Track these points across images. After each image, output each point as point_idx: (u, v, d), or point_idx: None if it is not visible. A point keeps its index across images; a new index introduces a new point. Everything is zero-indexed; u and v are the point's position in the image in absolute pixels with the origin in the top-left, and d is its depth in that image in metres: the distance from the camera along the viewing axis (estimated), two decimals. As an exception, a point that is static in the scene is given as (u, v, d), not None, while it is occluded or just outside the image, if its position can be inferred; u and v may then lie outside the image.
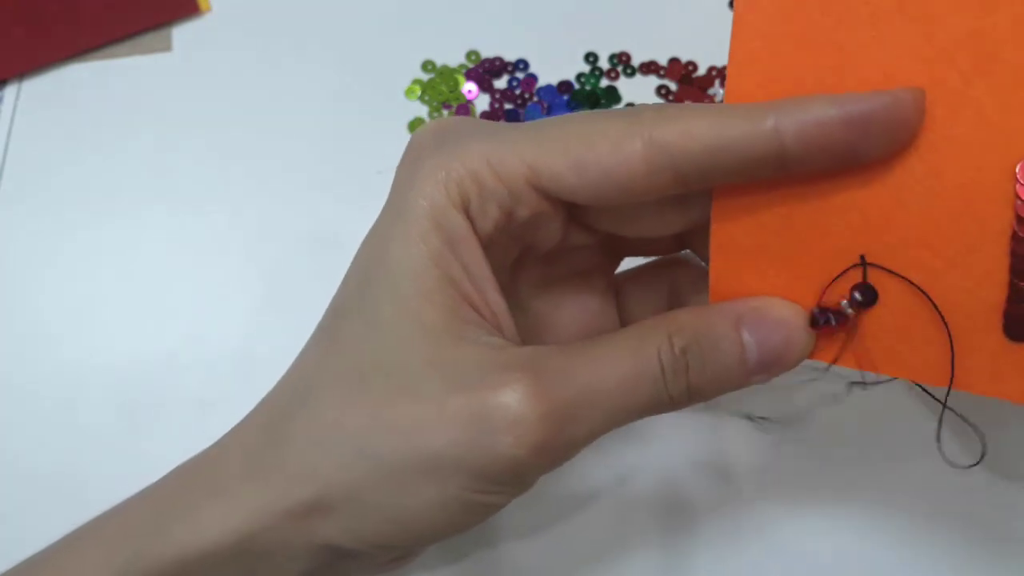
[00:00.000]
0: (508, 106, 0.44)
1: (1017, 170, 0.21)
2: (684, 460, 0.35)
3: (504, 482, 0.23)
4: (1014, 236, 0.21)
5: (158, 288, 0.40)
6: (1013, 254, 0.21)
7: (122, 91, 0.44)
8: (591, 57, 0.45)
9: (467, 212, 0.24)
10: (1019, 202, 0.21)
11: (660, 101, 0.43)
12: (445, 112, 0.43)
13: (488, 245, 0.24)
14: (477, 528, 0.33)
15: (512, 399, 0.22)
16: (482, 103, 0.44)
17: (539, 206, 0.24)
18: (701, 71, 0.44)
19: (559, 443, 0.22)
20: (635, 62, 0.45)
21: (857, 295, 0.23)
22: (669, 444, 0.35)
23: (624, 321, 0.30)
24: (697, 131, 0.21)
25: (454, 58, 0.45)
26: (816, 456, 0.34)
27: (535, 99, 0.44)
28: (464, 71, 0.45)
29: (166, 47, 0.46)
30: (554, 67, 0.45)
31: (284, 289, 0.39)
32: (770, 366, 0.23)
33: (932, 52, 0.21)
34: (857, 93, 0.21)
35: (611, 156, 0.22)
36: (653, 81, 0.44)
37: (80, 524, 0.26)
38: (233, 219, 0.41)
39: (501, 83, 0.44)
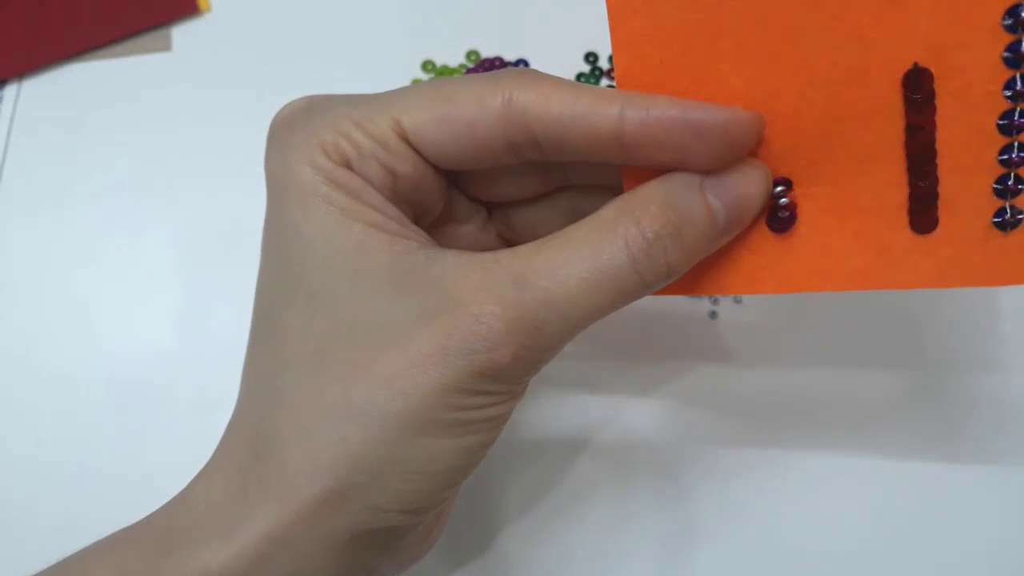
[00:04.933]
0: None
1: (901, 81, 0.23)
2: (686, 456, 0.35)
3: (497, 391, 0.23)
4: (907, 142, 0.23)
5: (158, 288, 0.40)
6: (909, 157, 0.23)
7: (122, 91, 0.44)
8: (591, 57, 0.45)
9: (352, 170, 0.24)
10: (908, 109, 0.23)
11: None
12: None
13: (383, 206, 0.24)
14: (478, 528, 0.34)
15: (474, 320, 0.22)
16: (482, 103, 0.44)
17: (416, 164, 0.24)
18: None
19: (533, 349, 0.23)
20: (635, 62, 0.45)
21: (781, 209, 0.24)
22: (671, 439, 0.35)
23: None
24: (553, 99, 0.23)
25: (454, 58, 0.45)
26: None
27: (535, 99, 0.44)
28: (464, 71, 0.45)
29: (166, 47, 0.46)
30: (554, 67, 0.44)
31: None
32: (736, 223, 0.24)
33: None
34: (702, 102, 0.23)
35: (472, 111, 0.23)
36: (653, 81, 0.44)
37: (77, 525, 0.25)
38: (233, 219, 0.41)
39: (501, 83, 0.44)
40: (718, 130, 0.23)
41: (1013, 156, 0.22)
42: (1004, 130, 0.22)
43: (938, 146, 0.23)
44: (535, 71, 0.24)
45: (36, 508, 0.35)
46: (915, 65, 0.22)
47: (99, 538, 0.25)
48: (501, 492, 0.35)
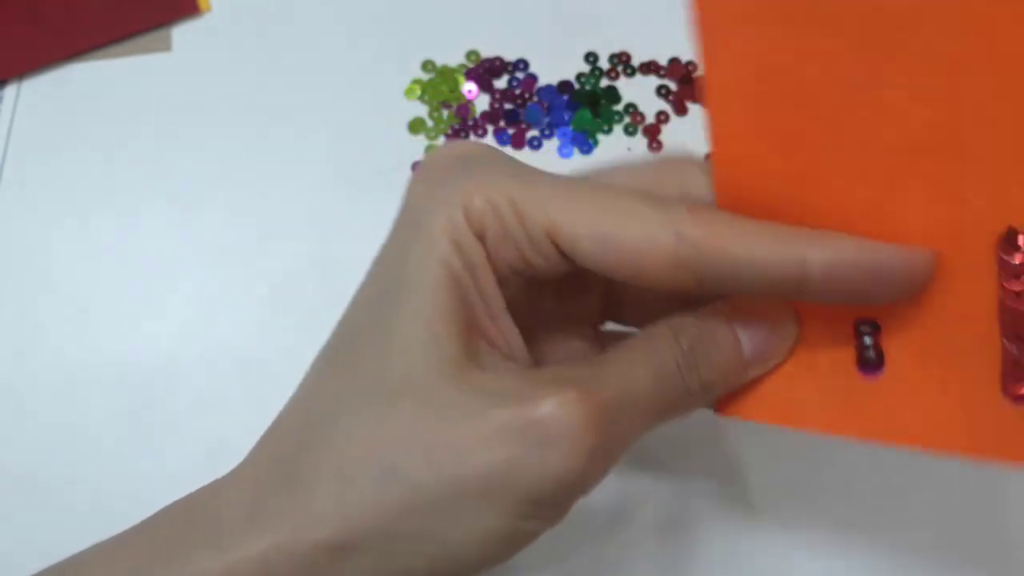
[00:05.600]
0: (508, 106, 0.44)
1: (997, 244, 0.22)
2: (685, 474, 0.35)
3: (550, 503, 0.22)
4: (1000, 305, 0.22)
5: (158, 288, 0.40)
6: (1001, 321, 0.22)
7: (122, 91, 0.44)
8: (591, 57, 0.45)
9: (484, 243, 0.23)
10: (1001, 271, 0.22)
11: (660, 101, 0.43)
12: (444, 112, 0.43)
13: (500, 284, 0.24)
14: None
15: (557, 409, 0.21)
16: (482, 103, 0.44)
17: (554, 261, 0.23)
18: (701, 71, 0.44)
19: (607, 449, 0.22)
20: (635, 62, 0.45)
21: (868, 349, 0.24)
22: (668, 459, 0.35)
23: None
24: (729, 242, 0.22)
25: (454, 58, 0.45)
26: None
27: (535, 99, 0.44)
28: (464, 71, 0.45)
29: (166, 47, 0.46)
30: (554, 67, 0.45)
31: (284, 288, 0.39)
32: (762, 357, 0.25)
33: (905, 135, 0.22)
34: (883, 244, 0.22)
35: (640, 242, 0.22)
36: (653, 81, 0.44)
37: (76, 525, 0.25)
38: (233, 219, 0.41)
39: (501, 83, 0.44)
40: (903, 275, 0.22)
41: None
42: None
43: None
44: (708, 207, 0.23)
45: (35, 509, 0.35)
46: (1009, 228, 0.21)
47: (98, 541, 0.24)
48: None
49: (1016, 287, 0.22)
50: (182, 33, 0.46)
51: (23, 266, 0.40)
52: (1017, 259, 0.21)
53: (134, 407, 0.37)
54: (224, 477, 0.24)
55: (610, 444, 0.22)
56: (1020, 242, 0.21)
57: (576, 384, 0.22)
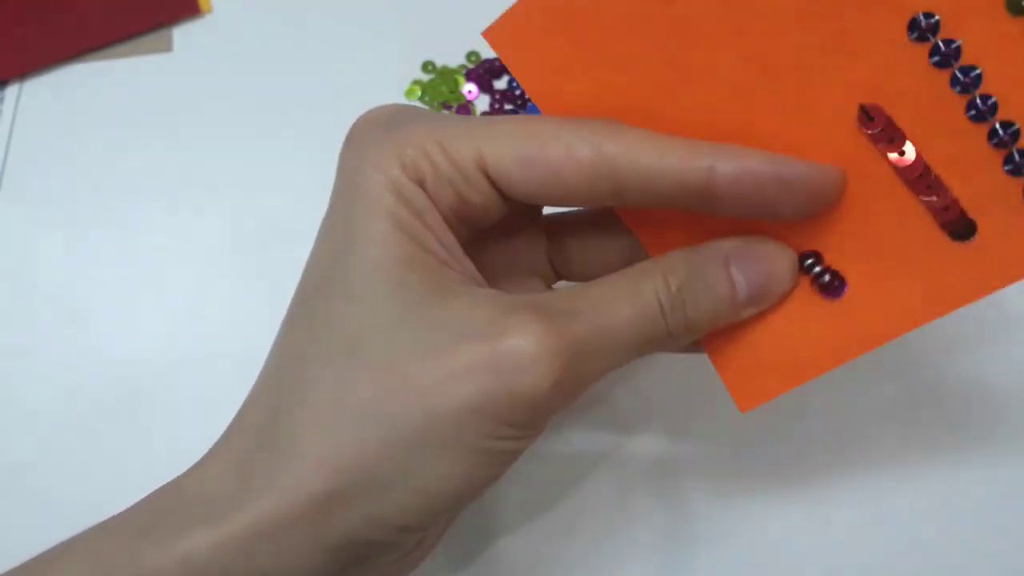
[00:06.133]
0: (508, 106, 0.44)
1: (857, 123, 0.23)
2: (685, 459, 0.35)
3: (525, 424, 0.23)
4: (897, 172, 0.23)
5: (158, 288, 0.40)
6: (908, 183, 0.23)
7: (123, 92, 0.44)
8: (591, 58, 0.45)
9: (424, 189, 0.24)
10: (878, 145, 0.23)
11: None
12: (445, 113, 0.43)
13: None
14: (477, 527, 0.34)
15: (525, 340, 0.22)
16: (482, 104, 0.44)
17: (488, 195, 0.24)
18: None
19: (575, 380, 0.23)
20: (635, 63, 0.45)
21: (823, 275, 0.25)
22: (668, 439, 0.35)
23: None
24: (642, 151, 0.23)
25: (454, 59, 0.45)
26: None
27: (535, 100, 0.44)
28: (464, 72, 0.45)
29: (167, 48, 0.46)
30: (554, 68, 0.45)
31: (284, 288, 0.39)
32: (759, 299, 0.25)
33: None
34: (791, 158, 0.23)
35: (559, 156, 0.23)
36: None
37: (75, 525, 0.25)
38: (233, 219, 0.41)
39: (501, 84, 0.44)
40: (807, 186, 0.23)
41: (1002, 136, 0.22)
42: (978, 118, 0.22)
43: (930, 162, 0.23)
44: (621, 124, 0.24)
45: (34, 509, 0.35)
46: (859, 106, 0.23)
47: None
48: (499, 496, 0.35)
49: (893, 152, 0.23)
50: (183, 34, 0.46)
51: (23, 266, 0.40)
52: (879, 127, 0.23)
53: (134, 407, 0.37)
54: (204, 457, 0.24)
55: (579, 374, 0.23)
56: (872, 113, 0.23)
57: (546, 316, 0.23)
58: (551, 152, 0.23)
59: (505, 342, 0.22)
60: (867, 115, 0.23)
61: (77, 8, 0.46)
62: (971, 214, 0.23)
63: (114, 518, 0.24)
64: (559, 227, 0.29)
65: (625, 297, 0.24)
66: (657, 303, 0.24)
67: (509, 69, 0.26)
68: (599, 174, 0.23)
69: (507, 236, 0.28)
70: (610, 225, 0.28)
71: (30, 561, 0.24)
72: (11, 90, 0.45)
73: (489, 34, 0.27)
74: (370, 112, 0.26)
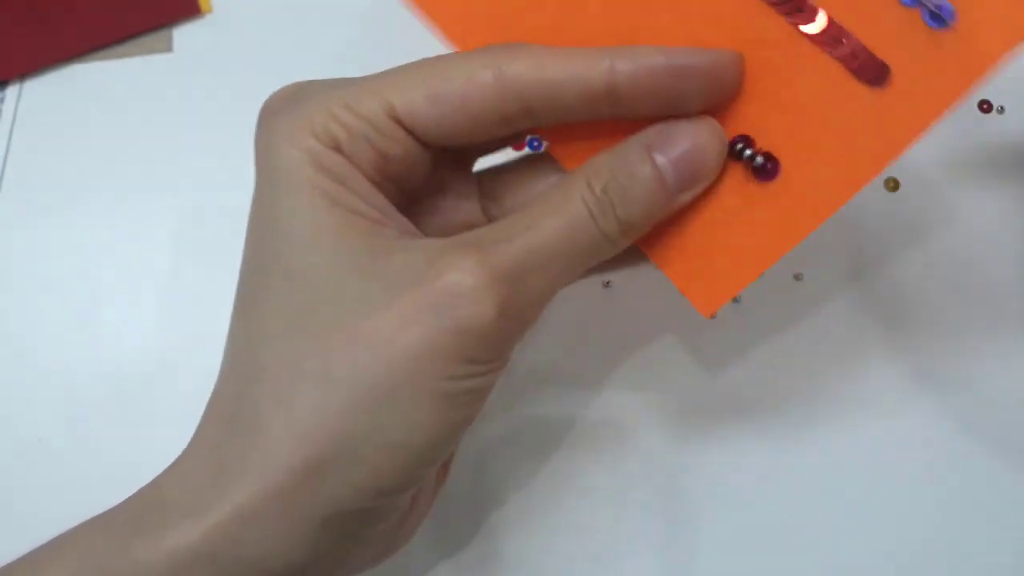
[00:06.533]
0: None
1: None
2: (682, 454, 0.35)
3: (482, 358, 0.23)
4: (797, 29, 0.24)
5: (159, 288, 0.40)
6: (810, 38, 0.24)
7: (123, 92, 0.44)
8: (592, 58, 0.45)
9: (342, 153, 0.24)
10: (778, 7, 0.24)
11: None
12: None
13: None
14: (476, 523, 0.33)
15: (459, 276, 0.22)
16: (483, 104, 0.44)
17: (407, 144, 0.25)
18: None
19: (520, 302, 0.23)
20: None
21: (755, 157, 0.25)
22: (667, 432, 0.35)
23: None
24: (544, 63, 0.24)
25: (455, 59, 0.45)
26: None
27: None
28: (465, 72, 0.44)
29: (167, 48, 0.46)
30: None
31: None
32: (690, 180, 0.25)
33: None
34: (687, 48, 0.24)
35: (464, 85, 0.24)
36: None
37: (73, 526, 0.25)
38: (233, 219, 0.41)
39: (502, 84, 0.44)
40: (704, 72, 0.24)
41: None
42: None
43: (827, 11, 0.23)
44: (521, 43, 0.24)
45: (34, 509, 0.35)
46: None
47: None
48: (496, 487, 0.34)
49: (799, 20, 0.24)
50: (183, 34, 0.46)
51: (23, 266, 0.40)
52: None
53: (134, 406, 0.37)
54: (181, 453, 0.24)
55: (522, 296, 0.23)
56: None
57: (478, 247, 0.23)
58: (455, 83, 0.24)
59: (442, 280, 0.22)
60: None
61: (77, 8, 0.46)
62: (881, 56, 0.23)
63: (99, 516, 0.24)
64: (490, 178, 0.29)
65: (553, 211, 0.24)
66: (585, 209, 0.24)
67: (423, 13, 0.27)
68: (504, 95, 0.24)
69: (440, 195, 0.28)
70: (538, 164, 0.29)
71: (17, 560, 0.24)
72: (11, 90, 0.45)
73: None
74: (274, 93, 0.26)
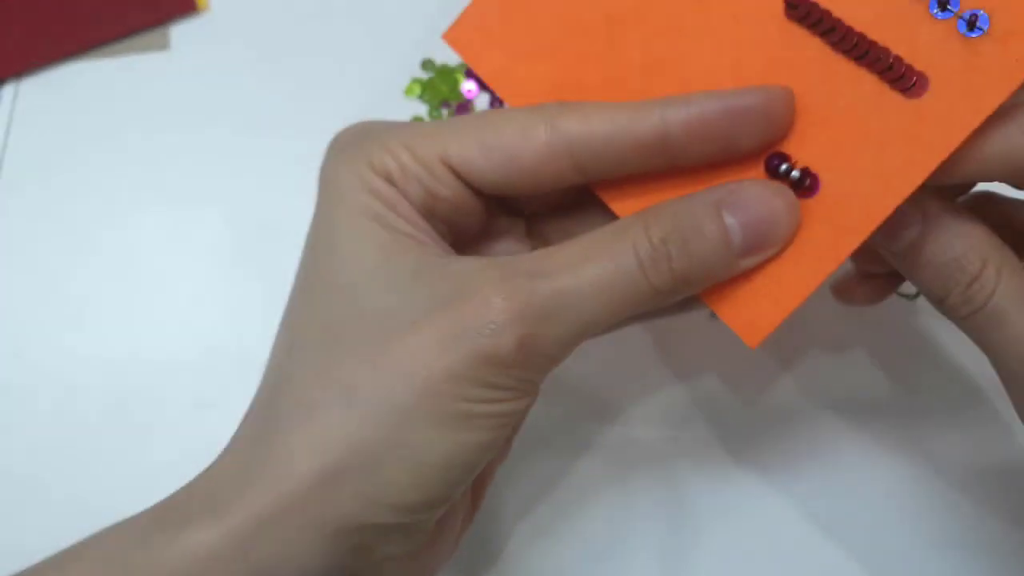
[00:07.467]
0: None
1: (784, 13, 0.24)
2: (686, 456, 0.35)
3: (501, 385, 0.23)
4: (833, 47, 0.24)
5: (156, 287, 0.39)
6: (846, 54, 0.24)
7: (120, 90, 0.44)
8: (591, 56, 0.45)
9: (394, 186, 0.25)
10: (811, 30, 0.24)
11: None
12: (444, 111, 0.43)
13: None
14: (473, 522, 0.33)
15: (486, 303, 0.22)
16: (482, 102, 0.44)
17: (456, 188, 0.25)
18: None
19: (543, 339, 0.23)
20: (635, 61, 0.44)
21: (791, 172, 0.24)
22: (671, 439, 0.35)
23: None
24: (593, 117, 0.24)
25: (454, 57, 0.45)
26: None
27: (535, 98, 0.44)
28: (464, 70, 0.44)
29: (164, 46, 0.46)
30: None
31: (283, 288, 0.39)
32: (757, 247, 0.24)
33: None
34: (735, 88, 0.24)
35: (516, 139, 0.24)
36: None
37: (74, 525, 0.25)
38: (231, 218, 0.41)
39: (501, 82, 0.44)
40: (758, 112, 0.24)
41: None
42: None
43: (862, 30, 0.24)
44: (574, 101, 0.25)
45: (33, 509, 0.35)
46: (785, 2, 0.24)
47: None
48: (496, 488, 0.34)
49: (832, 37, 0.24)
50: (180, 32, 0.46)
51: (21, 265, 0.40)
52: (804, 11, 0.24)
53: (132, 406, 0.37)
54: (216, 458, 0.25)
55: (547, 334, 0.23)
56: (794, 2, 0.24)
57: (510, 279, 0.23)
58: (507, 136, 0.24)
59: (468, 305, 0.23)
60: (791, 5, 0.24)
61: (74, 6, 0.46)
62: (918, 67, 0.23)
63: (127, 519, 0.25)
64: (540, 220, 0.30)
65: (598, 253, 0.23)
66: (635, 257, 0.23)
67: (471, 67, 0.27)
68: (556, 150, 0.24)
69: (491, 239, 0.29)
70: (589, 210, 0.28)
71: (43, 561, 0.24)
72: (8, 89, 0.44)
73: (449, 36, 0.29)
74: (345, 129, 0.27)
